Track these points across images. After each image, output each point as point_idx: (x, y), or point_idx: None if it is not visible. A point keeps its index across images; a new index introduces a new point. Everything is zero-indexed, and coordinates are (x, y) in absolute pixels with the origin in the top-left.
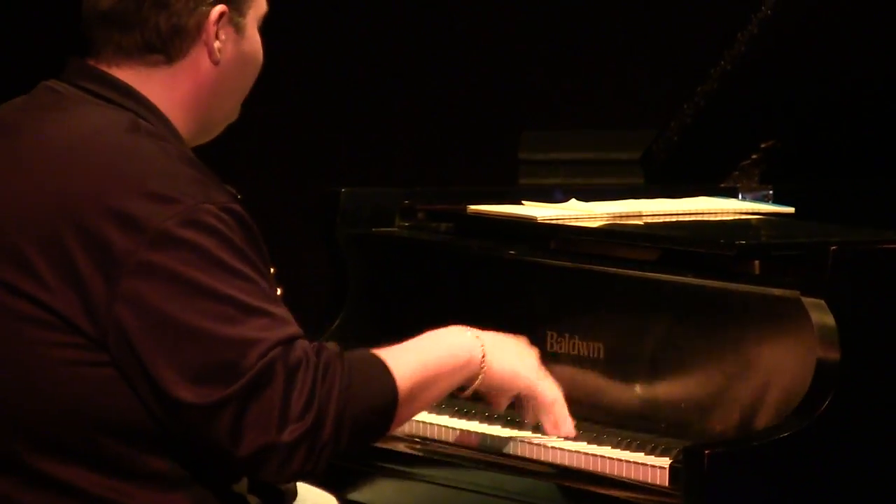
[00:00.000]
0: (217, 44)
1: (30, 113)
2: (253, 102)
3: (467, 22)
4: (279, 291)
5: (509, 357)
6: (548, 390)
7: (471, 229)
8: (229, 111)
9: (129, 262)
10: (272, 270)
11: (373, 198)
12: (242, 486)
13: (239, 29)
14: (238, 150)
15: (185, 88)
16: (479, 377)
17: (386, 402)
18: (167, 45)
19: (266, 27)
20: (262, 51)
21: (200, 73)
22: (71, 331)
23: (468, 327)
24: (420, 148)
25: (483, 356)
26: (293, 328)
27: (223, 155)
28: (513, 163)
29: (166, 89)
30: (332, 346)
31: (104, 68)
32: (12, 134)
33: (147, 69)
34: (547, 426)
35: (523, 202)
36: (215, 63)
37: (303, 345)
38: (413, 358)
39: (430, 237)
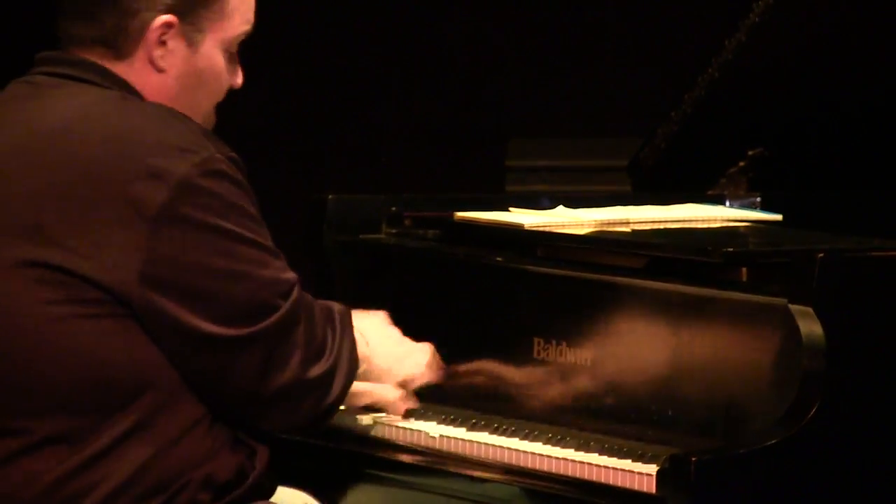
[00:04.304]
0: (159, 52)
1: (8, 105)
2: (239, 108)
3: (455, 29)
4: None
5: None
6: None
7: (458, 236)
8: None
9: (153, 212)
10: None
11: (360, 205)
12: (237, 455)
13: (192, 43)
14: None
15: (139, 88)
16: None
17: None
18: (113, 41)
19: (254, 34)
20: (225, 75)
21: (149, 77)
22: (81, 285)
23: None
24: (407, 155)
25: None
26: (290, 272)
27: None
28: (500, 170)
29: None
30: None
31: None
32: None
33: (102, 62)
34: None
35: (510, 209)
36: (159, 70)
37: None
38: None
39: (418, 244)
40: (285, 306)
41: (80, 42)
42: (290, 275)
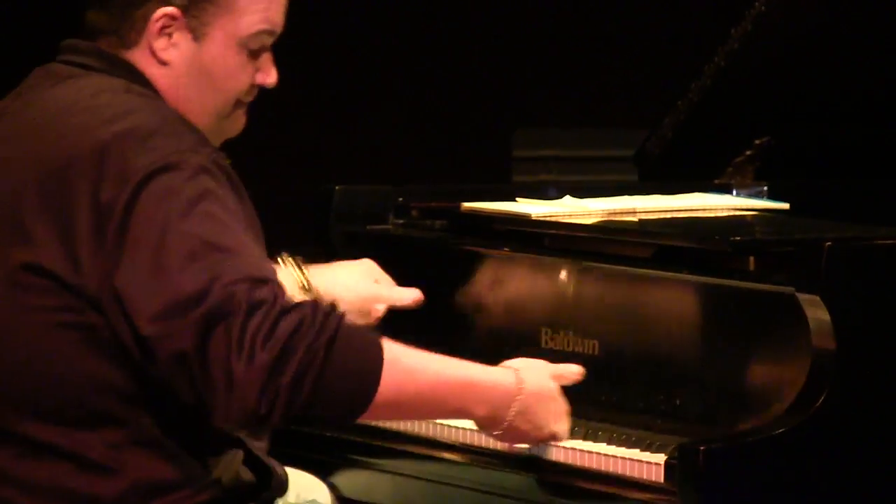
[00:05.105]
0: (161, 43)
1: (24, 95)
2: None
3: (461, 19)
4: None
5: (526, 429)
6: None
7: (465, 227)
8: (194, 120)
9: (113, 213)
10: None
11: (367, 195)
12: (237, 458)
13: (198, 37)
14: (230, 148)
15: (149, 76)
16: (496, 430)
17: (361, 388)
18: (119, 30)
19: None
20: (241, 72)
21: (154, 69)
22: (62, 291)
23: (518, 382)
24: (414, 145)
25: (506, 421)
26: (266, 273)
27: None
28: (506, 160)
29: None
30: (328, 305)
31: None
32: (6, 117)
33: (113, 50)
34: None
35: (517, 199)
36: (162, 62)
37: (273, 289)
38: (414, 375)
39: (424, 235)
40: (217, 296)
41: (94, 30)
42: (235, 270)
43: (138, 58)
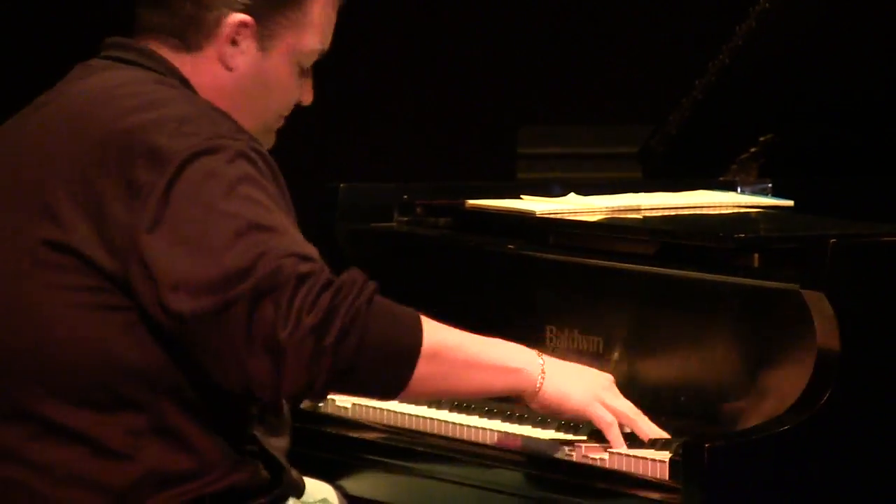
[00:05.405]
0: (230, 50)
1: (62, 86)
2: None
3: (465, 16)
4: None
5: (564, 380)
6: (603, 416)
7: (469, 224)
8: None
9: (152, 193)
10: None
11: (371, 193)
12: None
13: (264, 48)
14: None
15: (204, 83)
16: (533, 393)
17: (405, 344)
18: (183, 32)
19: None
20: (292, 87)
21: (216, 73)
22: (89, 271)
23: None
24: (418, 143)
25: (542, 374)
26: (310, 250)
27: None
28: (511, 157)
29: (189, 74)
30: (364, 275)
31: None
32: (43, 105)
33: (171, 51)
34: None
35: (522, 197)
36: (228, 69)
37: (318, 264)
38: (452, 334)
39: (429, 232)
40: (262, 271)
41: (150, 30)
42: (280, 247)
43: (195, 61)
